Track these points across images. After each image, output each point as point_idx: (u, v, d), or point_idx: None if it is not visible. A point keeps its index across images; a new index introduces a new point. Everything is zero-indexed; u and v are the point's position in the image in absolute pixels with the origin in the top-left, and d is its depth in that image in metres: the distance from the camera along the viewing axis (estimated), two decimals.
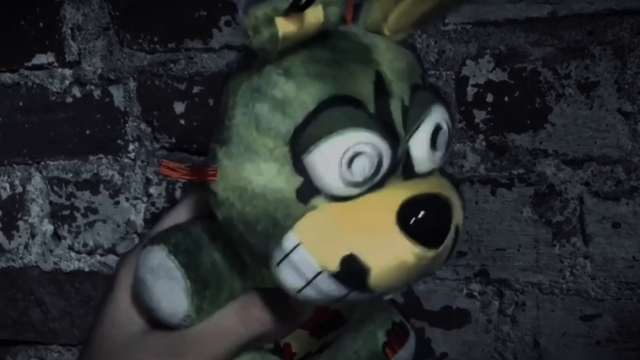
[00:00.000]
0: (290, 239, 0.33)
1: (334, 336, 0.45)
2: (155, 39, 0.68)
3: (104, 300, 0.42)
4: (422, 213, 0.32)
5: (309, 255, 0.32)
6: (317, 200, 0.33)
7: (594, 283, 0.62)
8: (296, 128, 0.33)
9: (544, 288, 0.63)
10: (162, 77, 0.68)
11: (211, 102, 0.67)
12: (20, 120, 0.74)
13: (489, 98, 0.61)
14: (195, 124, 0.68)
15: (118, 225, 0.75)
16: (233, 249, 0.38)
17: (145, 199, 0.73)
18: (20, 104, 0.73)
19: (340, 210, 0.33)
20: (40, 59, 0.71)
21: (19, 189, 0.77)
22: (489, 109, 0.61)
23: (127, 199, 0.73)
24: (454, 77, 0.61)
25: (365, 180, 0.33)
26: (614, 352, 0.63)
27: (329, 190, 0.33)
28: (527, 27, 0.59)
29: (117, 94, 0.70)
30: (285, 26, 0.31)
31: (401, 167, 0.35)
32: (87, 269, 0.77)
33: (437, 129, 0.35)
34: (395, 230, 0.32)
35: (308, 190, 0.33)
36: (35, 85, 0.73)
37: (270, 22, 0.31)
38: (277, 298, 0.38)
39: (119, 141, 0.72)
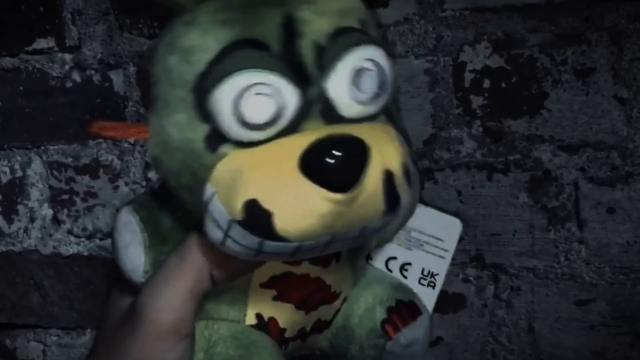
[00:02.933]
0: (207, 190, 0.33)
1: (330, 313, 0.44)
2: (155, 24, 0.68)
3: (128, 335, 0.42)
4: (325, 153, 0.31)
5: (220, 205, 0.32)
6: (225, 148, 0.33)
7: (588, 268, 0.62)
8: (200, 74, 0.32)
9: (538, 273, 0.64)
10: None
11: None
12: (20, 104, 0.74)
13: (486, 84, 0.61)
14: None
15: (117, 210, 0.75)
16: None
17: (144, 183, 0.73)
18: (21, 88, 0.74)
19: (246, 156, 0.32)
20: (41, 43, 0.72)
21: (19, 173, 0.77)
22: (486, 94, 0.62)
23: (126, 184, 0.74)
24: (451, 62, 0.62)
25: (267, 122, 0.32)
26: (608, 336, 0.63)
27: (232, 135, 0.32)
28: (524, 14, 0.59)
29: (117, 79, 0.71)
30: None
31: (319, 111, 0.33)
32: (86, 253, 0.78)
33: (360, 69, 0.34)
34: (297, 173, 0.31)
35: (215, 138, 0.33)
36: (35, 70, 0.73)
37: None
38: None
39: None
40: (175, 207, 0.39)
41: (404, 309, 0.46)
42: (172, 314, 0.37)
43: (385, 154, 0.33)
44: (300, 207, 0.31)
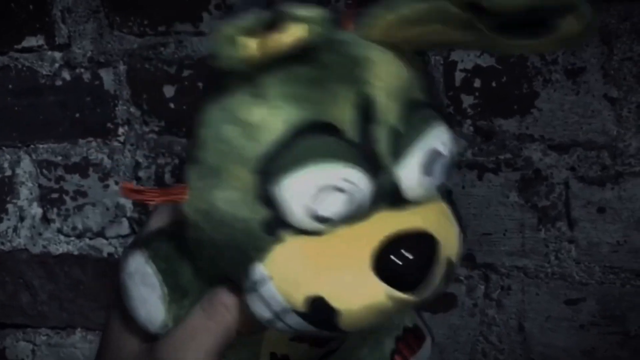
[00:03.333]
0: (257, 272, 0.31)
1: (338, 344, 0.42)
2: (145, 22, 0.68)
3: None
4: (399, 256, 0.29)
5: (275, 291, 0.30)
6: (285, 233, 0.30)
7: (578, 267, 0.62)
8: (265, 156, 0.30)
9: (529, 272, 0.64)
10: (152, 60, 0.68)
11: (201, 85, 0.67)
12: (9, 103, 0.74)
13: (477, 83, 0.61)
14: (184, 107, 0.68)
15: (107, 209, 0.75)
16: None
17: (134, 182, 0.73)
18: (10, 86, 0.73)
19: (310, 244, 0.30)
20: (30, 41, 0.71)
21: (8, 172, 0.77)
22: (477, 94, 0.61)
23: (116, 183, 0.74)
24: (442, 62, 0.62)
25: (339, 217, 0.30)
26: (598, 335, 0.63)
27: (298, 225, 0.30)
28: None
29: (107, 77, 0.70)
30: (262, 46, 0.28)
31: (386, 195, 0.31)
32: (76, 253, 0.77)
33: (433, 154, 0.31)
34: (367, 271, 0.29)
35: (275, 223, 0.30)
36: (25, 68, 0.73)
37: (237, 42, 0.28)
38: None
39: (109, 124, 0.72)
40: (195, 257, 0.36)
41: (410, 337, 0.44)
42: None
43: (449, 242, 0.31)
44: (367, 305, 0.30)
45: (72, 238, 0.77)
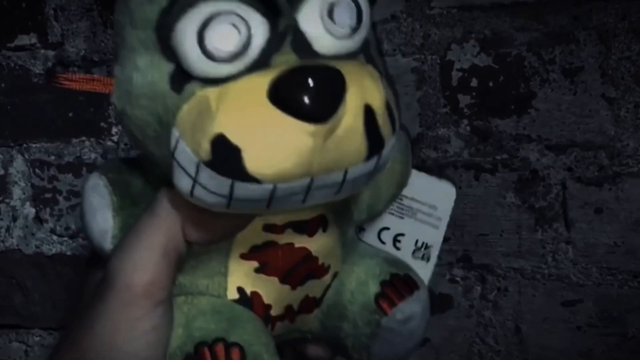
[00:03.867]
0: (173, 135, 0.31)
1: (320, 290, 0.41)
2: None
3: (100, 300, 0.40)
4: (297, 81, 0.28)
5: (186, 147, 0.30)
6: (191, 87, 0.31)
7: (575, 268, 0.62)
8: (162, 11, 0.30)
9: (526, 273, 0.63)
10: None
11: None
12: (2, 101, 0.73)
13: (474, 83, 0.61)
14: None
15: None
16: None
17: None
18: (2, 85, 0.73)
19: (212, 93, 0.30)
20: (23, 39, 0.70)
21: (1, 172, 0.76)
22: (474, 93, 0.61)
23: None
24: (439, 61, 0.61)
25: (233, 55, 0.30)
26: (595, 337, 0.63)
27: (197, 71, 0.30)
28: (512, 12, 0.59)
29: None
30: None
31: (290, 44, 0.31)
32: (69, 253, 0.77)
33: (333, 1, 0.31)
34: (265, 103, 0.28)
35: (180, 77, 0.31)
36: (17, 67, 0.72)
37: None
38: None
39: (102, 124, 0.71)
40: (146, 169, 0.37)
41: (399, 282, 0.42)
42: (145, 275, 0.34)
43: (365, 88, 0.30)
44: (273, 141, 0.28)
45: (65, 238, 0.76)
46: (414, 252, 0.50)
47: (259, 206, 0.31)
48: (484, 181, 0.62)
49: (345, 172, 0.31)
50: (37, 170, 0.74)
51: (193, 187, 0.30)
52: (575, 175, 0.60)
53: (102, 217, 0.36)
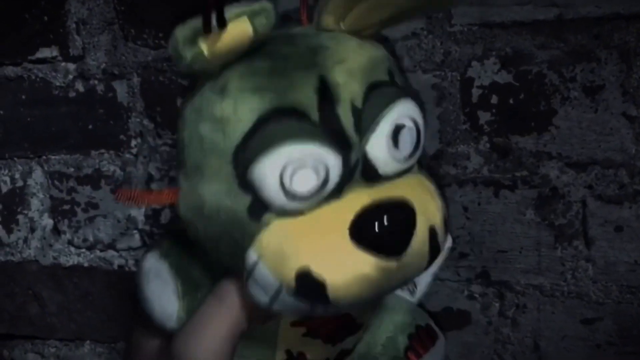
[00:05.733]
0: (250, 257, 0.33)
1: (353, 342, 0.45)
2: (160, 35, 0.67)
3: None
4: (375, 221, 0.31)
5: (268, 272, 0.32)
6: (269, 217, 0.33)
7: (595, 286, 0.62)
8: (237, 146, 0.32)
9: (545, 290, 0.63)
10: (167, 73, 0.68)
11: None
12: (22, 113, 0.74)
13: (494, 100, 0.61)
14: None
15: (119, 221, 0.74)
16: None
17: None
18: (23, 97, 0.73)
19: (292, 224, 0.32)
20: (44, 52, 0.71)
21: (20, 183, 0.76)
22: (494, 110, 0.61)
23: None
24: (459, 78, 0.61)
25: (312, 193, 0.32)
26: (614, 355, 0.63)
27: (277, 205, 0.32)
28: (533, 30, 0.59)
29: (121, 89, 0.70)
30: (209, 45, 0.30)
31: (359, 172, 0.33)
32: (86, 264, 0.77)
33: (398, 128, 0.34)
34: (348, 242, 0.31)
35: (258, 208, 0.33)
36: (38, 79, 0.72)
37: (192, 43, 0.31)
38: None
39: (122, 136, 0.71)
40: (205, 248, 0.38)
41: (423, 334, 0.47)
42: (211, 357, 0.37)
43: (428, 211, 0.34)
44: (352, 275, 0.31)
45: (83, 250, 0.77)
46: None
47: (330, 314, 0.36)
48: (504, 198, 0.62)
49: (406, 281, 0.36)
50: (55, 182, 0.75)
51: (271, 303, 0.33)
52: (596, 193, 0.60)
53: (168, 302, 0.38)
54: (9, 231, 0.78)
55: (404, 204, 0.32)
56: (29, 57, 0.72)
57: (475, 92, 0.61)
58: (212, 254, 0.36)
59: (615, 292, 0.62)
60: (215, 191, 0.34)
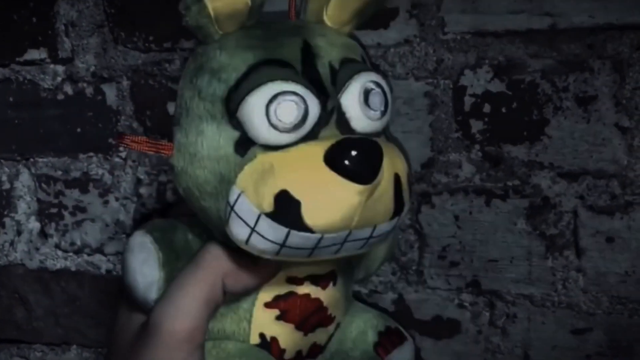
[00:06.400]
0: (233, 191, 0.36)
1: (325, 337, 0.46)
2: (151, 38, 0.67)
3: (144, 346, 0.44)
4: (348, 149, 0.34)
5: (248, 201, 0.36)
6: (253, 151, 0.36)
7: (585, 297, 0.62)
8: (230, 88, 0.37)
9: (535, 300, 0.63)
10: (157, 76, 0.68)
11: None
12: (9, 115, 0.73)
13: (486, 108, 0.61)
14: None
15: (107, 225, 0.74)
16: (208, 232, 0.41)
17: (135, 199, 0.72)
18: (11, 99, 0.72)
19: (274, 157, 0.36)
20: (33, 54, 0.70)
21: (7, 185, 0.75)
22: (486, 119, 0.61)
23: (116, 199, 0.72)
24: (451, 86, 0.61)
25: (293, 126, 0.36)
26: None
27: (261, 139, 0.36)
28: (526, 39, 0.59)
29: (110, 92, 0.70)
30: (212, 1, 0.35)
31: (335, 121, 0.38)
32: (73, 268, 0.76)
33: (367, 90, 0.39)
34: (322, 166, 0.34)
35: (244, 143, 0.37)
36: (26, 81, 0.71)
37: (198, 2, 0.35)
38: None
39: (110, 140, 0.71)
40: (187, 227, 0.43)
41: (392, 334, 0.49)
42: (188, 322, 0.39)
43: (394, 159, 0.37)
44: (328, 197, 0.34)
45: (70, 254, 0.76)
46: None
47: (302, 254, 0.37)
48: (495, 207, 0.62)
49: (374, 229, 0.37)
50: (43, 185, 0.74)
51: (250, 235, 0.36)
52: (587, 203, 0.60)
53: (149, 271, 0.41)
54: None
55: (373, 142, 0.35)
56: (17, 59, 0.71)
57: (468, 101, 0.61)
58: (199, 204, 0.39)
59: (605, 302, 0.61)
60: (207, 133, 0.37)
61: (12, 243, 0.77)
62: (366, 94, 0.39)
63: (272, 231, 0.35)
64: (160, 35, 0.67)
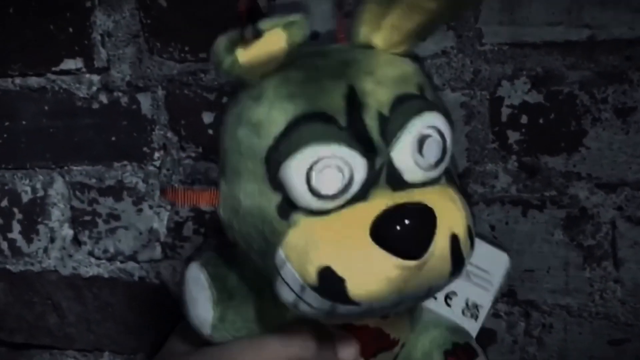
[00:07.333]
0: (278, 256, 0.35)
1: (389, 359, 0.45)
2: (186, 48, 0.67)
3: None
4: (395, 223, 0.32)
5: (293, 270, 0.34)
6: (297, 216, 0.34)
7: (623, 308, 0.62)
8: (269, 148, 0.34)
9: (572, 311, 0.63)
10: (192, 86, 0.68)
11: None
12: (45, 124, 0.74)
13: (524, 119, 0.61)
14: None
15: (140, 233, 0.74)
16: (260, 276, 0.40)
17: (169, 207, 0.72)
18: (46, 108, 0.73)
19: (317, 226, 0.34)
20: (69, 64, 0.71)
21: (41, 193, 0.76)
22: (523, 130, 0.61)
23: (150, 207, 0.73)
24: (488, 97, 0.61)
25: (337, 193, 0.33)
26: None
27: (303, 204, 0.34)
28: (564, 50, 0.59)
29: (145, 102, 0.70)
30: (245, 54, 0.32)
31: (385, 178, 0.35)
32: (106, 275, 0.77)
33: (423, 137, 0.35)
34: (368, 241, 0.32)
35: (287, 207, 0.34)
36: (61, 90, 0.72)
37: (230, 51, 0.32)
38: (320, 328, 0.40)
39: (145, 149, 0.71)
40: (241, 265, 0.41)
41: (460, 352, 0.47)
42: None
43: (451, 218, 0.34)
44: (372, 273, 0.32)
45: (103, 261, 0.77)
46: (463, 310, 0.53)
47: (353, 319, 0.37)
48: (532, 217, 0.62)
49: (430, 288, 0.36)
50: (77, 193, 0.75)
51: (297, 301, 0.35)
52: (625, 214, 0.60)
53: (203, 308, 0.41)
54: (29, 241, 0.78)
55: (425, 208, 0.33)
56: (53, 69, 0.72)
57: (505, 112, 0.61)
58: (247, 255, 0.38)
59: None
60: (249, 192, 0.36)
61: (45, 250, 0.78)
62: (421, 142, 0.35)
63: (318, 302, 0.34)
64: (195, 45, 0.67)
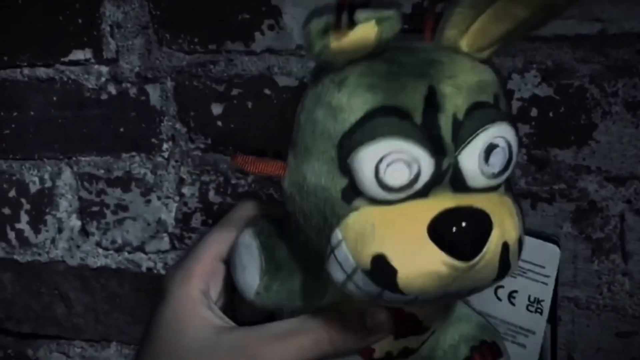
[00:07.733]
0: (336, 236, 0.36)
1: (418, 342, 0.46)
2: (196, 40, 0.67)
3: (156, 313, 0.46)
4: (453, 224, 0.34)
5: (348, 252, 0.35)
6: (359, 202, 0.36)
7: (631, 300, 0.62)
8: (344, 133, 0.36)
9: (580, 303, 0.63)
10: (201, 78, 0.68)
11: (250, 104, 0.67)
12: (53, 115, 0.73)
13: (534, 112, 0.61)
14: (232, 126, 0.68)
15: (148, 224, 0.74)
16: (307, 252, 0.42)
17: (177, 198, 0.73)
18: (54, 98, 0.73)
19: (379, 213, 0.35)
20: (77, 54, 0.71)
21: (49, 183, 0.76)
22: (533, 123, 0.61)
23: (158, 198, 0.73)
24: None
25: (402, 187, 0.35)
26: None
27: (368, 193, 0.35)
28: (574, 44, 0.59)
29: (154, 93, 0.70)
30: (336, 41, 0.34)
31: (449, 179, 0.36)
32: (114, 266, 0.77)
33: (492, 146, 0.36)
34: (425, 237, 0.34)
35: (351, 192, 0.36)
36: (70, 81, 0.72)
37: (323, 36, 0.34)
38: (357, 315, 0.42)
39: (153, 140, 0.71)
40: (292, 238, 0.43)
41: (485, 349, 0.49)
42: None
43: (505, 227, 0.36)
44: (424, 268, 0.34)
45: (111, 251, 0.77)
46: (527, 306, 0.56)
47: (396, 305, 0.39)
48: (541, 210, 0.62)
49: (473, 289, 0.37)
50: (85, 184, 0.75)
51: (346, 281, 0.36)
52: (635, 207, 0.60)
53: (251, 276, 0.43)
54: (37, 231, 0.78)
55: (483, 214, 0.35)
56: (62, 59, 0.71)
57: (515, 105, 0.61)
58: (302, 229, 0.40)
59: None
60: (317, 170, 0.37)
61: (53, 240, 0.78)
62: (488, 151, 0.36)
63: (367, 286, 0.35)
64: (205, 37, 0.67)
